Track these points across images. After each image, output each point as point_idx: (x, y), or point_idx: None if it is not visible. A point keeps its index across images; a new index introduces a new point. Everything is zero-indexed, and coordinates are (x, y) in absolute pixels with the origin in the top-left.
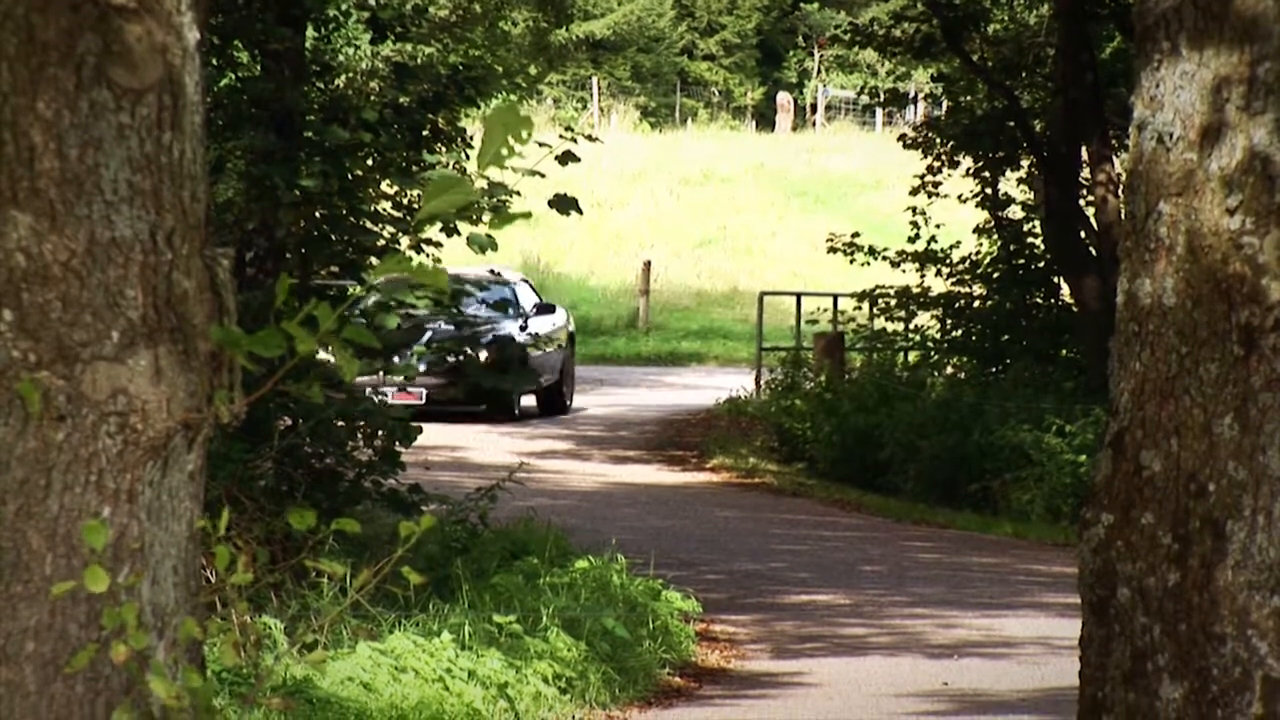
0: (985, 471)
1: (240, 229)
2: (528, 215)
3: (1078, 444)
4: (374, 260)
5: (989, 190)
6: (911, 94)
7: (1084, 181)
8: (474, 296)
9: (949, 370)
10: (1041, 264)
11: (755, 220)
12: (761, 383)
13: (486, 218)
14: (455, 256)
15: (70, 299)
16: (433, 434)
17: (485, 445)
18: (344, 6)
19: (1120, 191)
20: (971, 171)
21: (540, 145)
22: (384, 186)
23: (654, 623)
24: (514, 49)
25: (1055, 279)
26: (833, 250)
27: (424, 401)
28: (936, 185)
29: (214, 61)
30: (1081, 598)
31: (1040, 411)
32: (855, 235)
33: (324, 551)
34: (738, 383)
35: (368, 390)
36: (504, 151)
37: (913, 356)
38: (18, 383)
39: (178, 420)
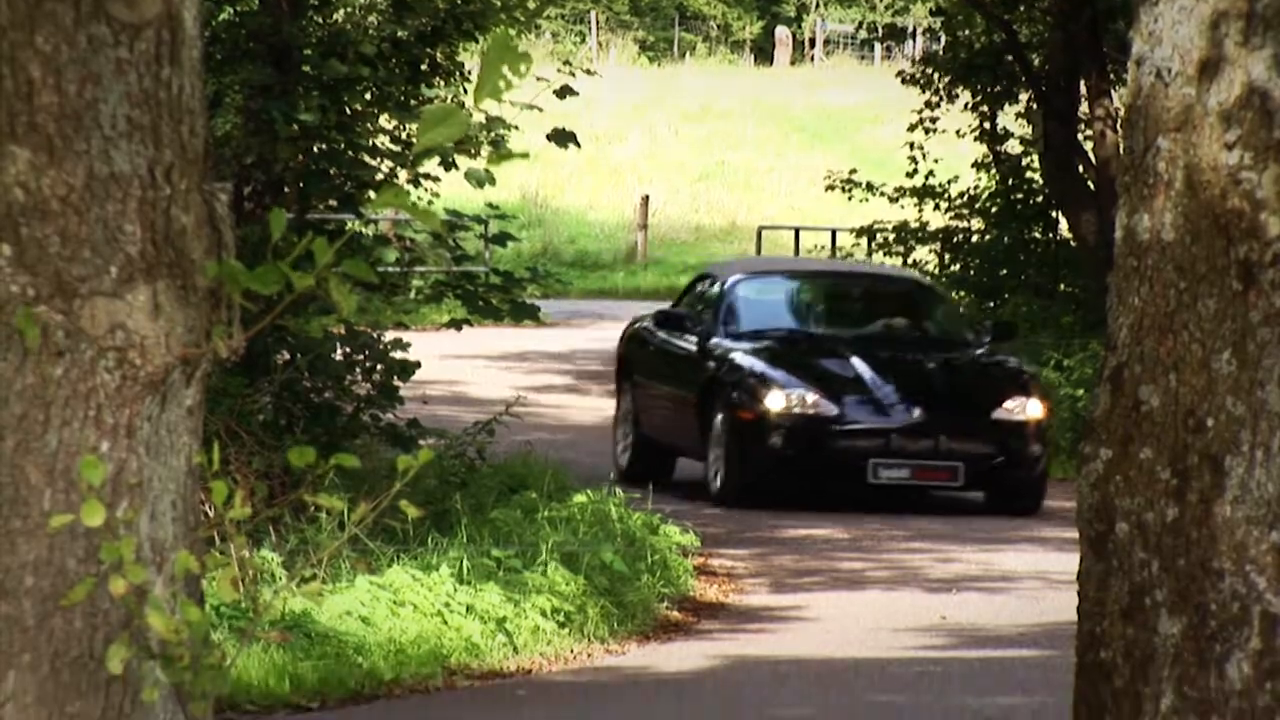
0: None
1: (238, 163)
2: (525, 155)
3: (1075, 379)
4: (372, 194)
5: (987, 125)
6: (910, 28)
7: (1082, 116)
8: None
9: None
10: (1040, 199)
11: (754, 155)
12: None
13: (485, 151)
14: (453, 191)
15: (69, 234)
16: (431, 369)
17: (483, 380)
18: None
19: (1119, 126)
20: (970, 106)
21: (539, 80)
22: (382, 121)
23: (652, 557)
24: None
25: (1053, 214)
26: (830, 188)
27: None
28: (934, 120)
29: None
30: (1080, 533)
31: (1038, 346)
32: (853, 172)
33: (322, 486)
34: None
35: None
36: (501, 85)
37: None
38: (16, 317)
39: (176, 355)
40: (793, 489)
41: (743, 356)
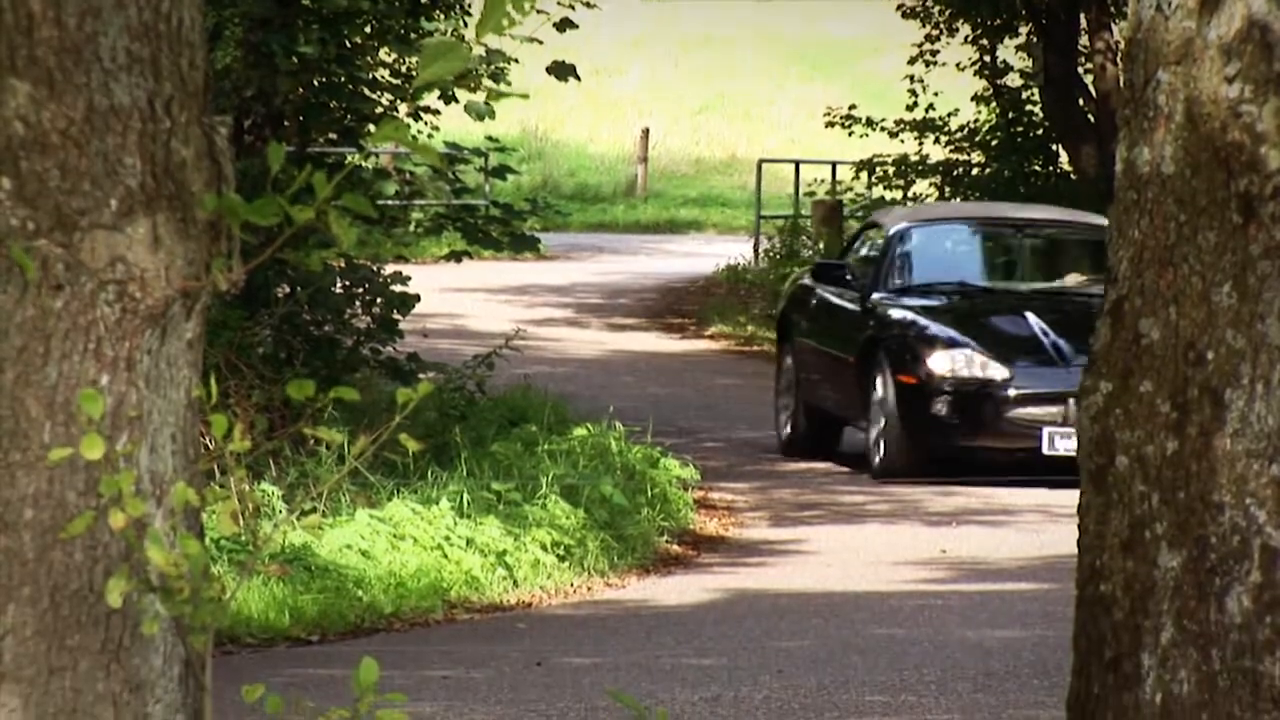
0: None
1: (238, 96)
2: (525, 95)
3: None
4: (372, 128)
5: (987, 58)
6: None
7: (1082, 49)
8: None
9: None
10: (1040, 132)
11: (754, 87)
12: (760, 251)
13: (486, 85)
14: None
15: (69, 167)
16: (431, 302)
17: (483, 313)
18: None
19: (1119, 59)
20: (970, 39)
21: (539, 12)
22: (382, 54)
23: (652, 490)
24: None
25: (1053, 146)
26: (830, 124)
27: None
28: (935, 54)
29: None
30: (1080, 466)
31: None
32: (852, 108)
33: (322, 419)
34: (736, 250)
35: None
36: (505, 21)
37: None
38: (11, 251)
39: (176, 288)
40: (960, 462)
41: (904, 313)
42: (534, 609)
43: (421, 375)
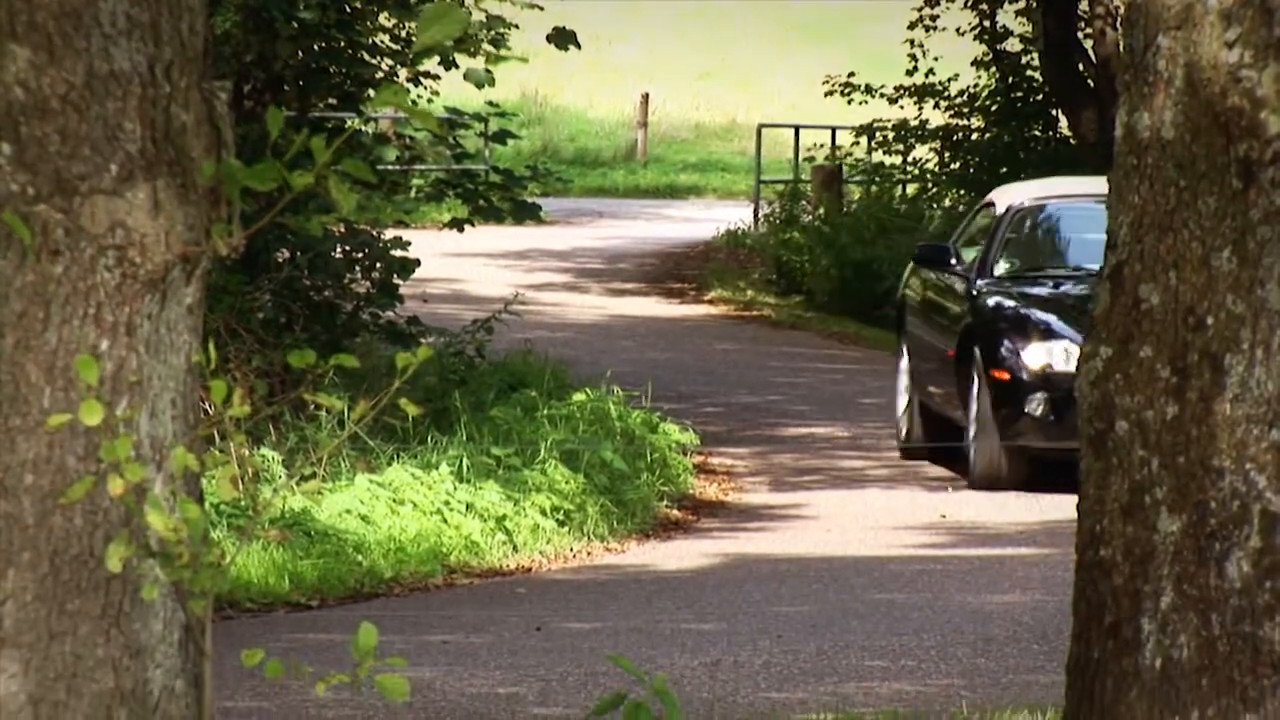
0: None
1: (238, 61)
2: (524, 60)
3: None
4: (371, 92)
5: (987, 23)
6: None
7: (1082, 14)
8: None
9: (947, 203)
10: (1039, 97)
11: (754, 52)
12: (759, 216)
13: (485, 50)
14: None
15: (68, 132)
16: (431, 267)
17: (483, 278)
18: None
19: (1119, 24)
20: (969, 4)
21: None
22: (382, 19)
23: (652, 455)
24: None
25: (1053, 111)
26: (830, 93)
27: None
28: (934, 19)
29: None
30: (1080, 431)
31: None
32: (851, 75)
33: (322, 385)
34: (736, 215)
35: None
36: None
37: (911, 189)
38: (6, 216)
39: (176, 253)
40: (1060, 467)
41: (1004, 300)
42: (533, 574)
43: (421, 340)
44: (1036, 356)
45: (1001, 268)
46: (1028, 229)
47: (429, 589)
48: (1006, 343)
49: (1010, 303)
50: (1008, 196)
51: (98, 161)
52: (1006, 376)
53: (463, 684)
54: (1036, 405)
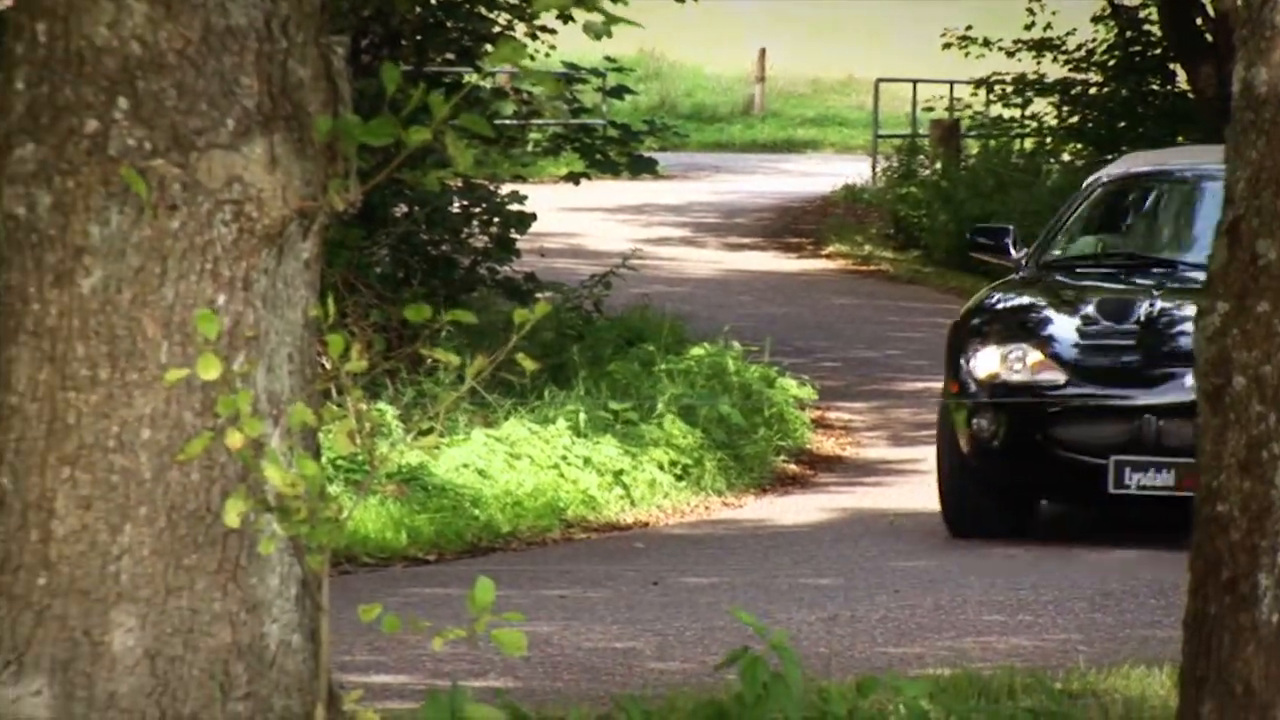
0: None
1: (355, 16)
2: (639, 25)
3: None
4: (489, 47)
5: None
6: None
7: None
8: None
9: (1065, 157)
10: (1158, 51)
11: (871, 6)
12: (877, 170)
13: (604, 5)
14: (571, 44)
15: (185, 87)
16: (548, 221)
17: (600, 232)
18: None
19: None
20: None
21: None
22: None
23: (769, 410)
24: None
25: (1171, 66)
26: (947, 46)
27: None
28: None
29: None
30: (1197, 386)
31: None
32: (969, 28)
33: (439, 339)
34: (854, 170)
35: None
36: None
37: (1029, 143)
38: (123, 172)
39: (293, 208)
40: (1010, 505)
41: (998, 295)
42: (651, 528)
43: (539, 295)
44: (986, 363)
45: (1051, 255)
46: (1086, 209)
47: (546, 544)
48: (964, 348)
49: (995, 297)
50: (1106, 169)
51: (214, 116)
52: (955, 388)
53: (579, 639)
54: (982, 423)
